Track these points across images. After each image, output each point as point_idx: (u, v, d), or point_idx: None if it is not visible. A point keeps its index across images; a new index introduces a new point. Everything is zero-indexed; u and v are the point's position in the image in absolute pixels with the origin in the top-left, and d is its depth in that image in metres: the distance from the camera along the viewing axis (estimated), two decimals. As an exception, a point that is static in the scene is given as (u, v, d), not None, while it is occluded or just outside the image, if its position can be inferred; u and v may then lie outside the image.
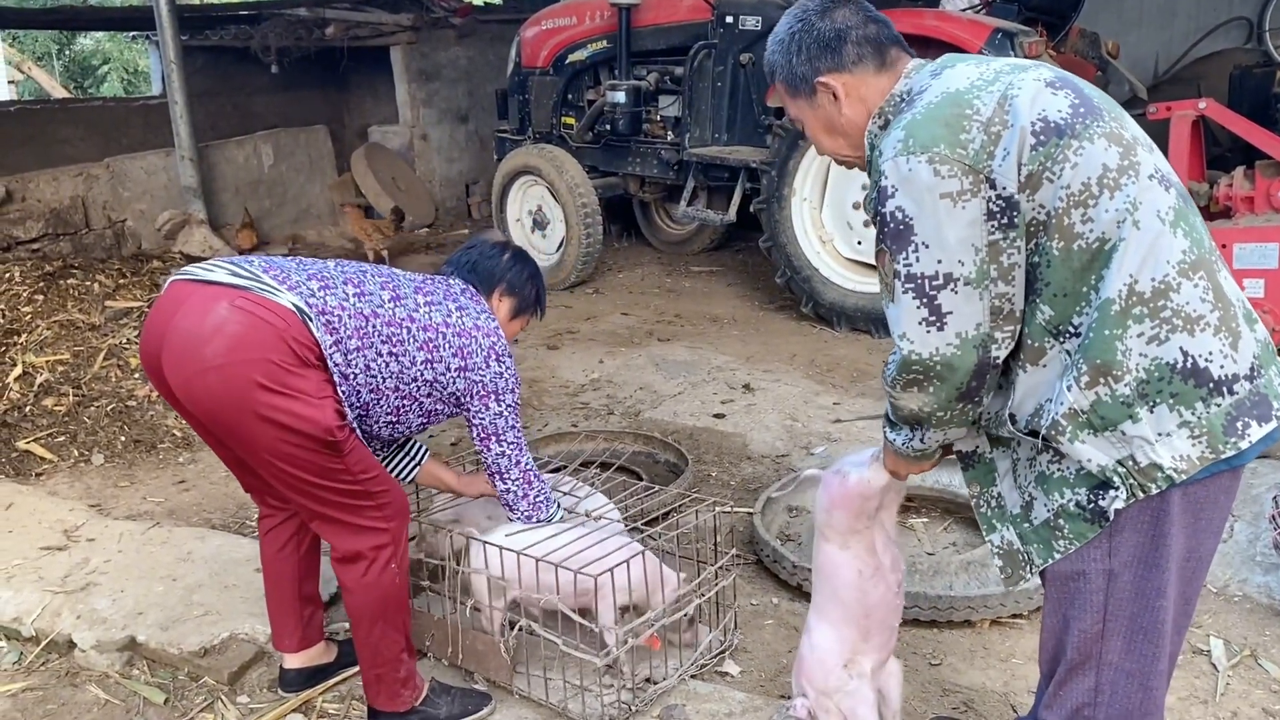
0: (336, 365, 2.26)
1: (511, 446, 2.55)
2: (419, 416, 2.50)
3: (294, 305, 2.21)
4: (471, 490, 2.84)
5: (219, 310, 2.16)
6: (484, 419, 2.52)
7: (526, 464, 2.59)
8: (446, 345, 2.44)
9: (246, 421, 2.19)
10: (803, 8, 1.94)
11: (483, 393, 2.49)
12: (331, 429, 2.20)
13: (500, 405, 2.51)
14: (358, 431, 2.31)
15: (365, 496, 2.32)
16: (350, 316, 2.29)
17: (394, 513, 2.37)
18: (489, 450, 2.55)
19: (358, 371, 2.31)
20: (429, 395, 2.46)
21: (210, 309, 2.17)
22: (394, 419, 2.45)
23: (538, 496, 2.63)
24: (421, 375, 2.42)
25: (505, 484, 2.59)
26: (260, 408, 2.16)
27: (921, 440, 1.92)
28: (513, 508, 2.63)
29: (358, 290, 2.36)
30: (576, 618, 2.48)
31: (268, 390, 2.15)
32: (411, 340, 2.39)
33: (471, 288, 2.62)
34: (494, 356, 2.50)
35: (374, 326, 2.33)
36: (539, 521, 2.63)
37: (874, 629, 2.26)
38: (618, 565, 2.48)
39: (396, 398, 2.41)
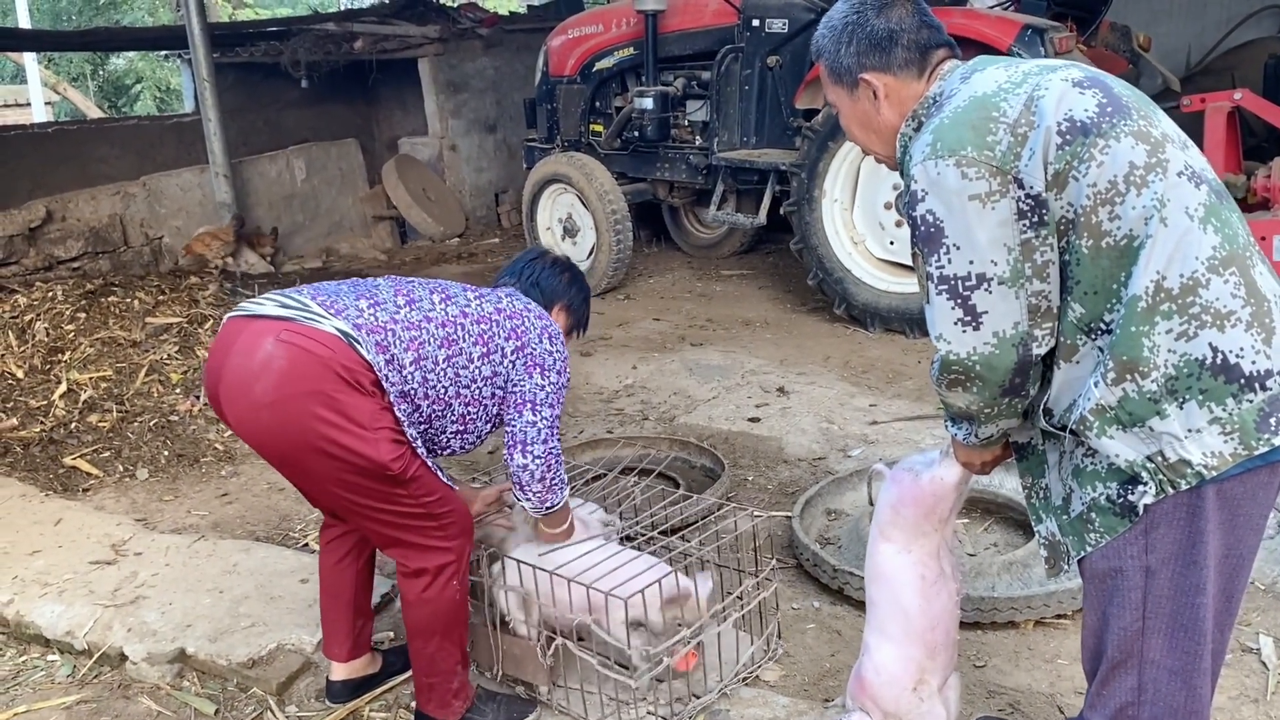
0: (393, 385, 2.24)
1: (545, 422, 2.43)
2: (486, 422, 2.48)
3: (338, 330, 2.21)
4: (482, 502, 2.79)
5: (265, 346, 2.18)
6: (524, 387, 2.44)
7: (554, 448, 2.44)
8: (500, 331, 2.42)
9: (304, 456, 2.22)
10: None
11: (530, 364, 2.44)
12: (386, 464, 2.20)
13: (544, 379, 2.44)
14: (422, 452, 2.30)
15: (428, 519, 2.33)
16: (403, 329, 2.29)
17: (457, 532, 2.39)
18: (520, 417, 2.42)
19: (415, 386, 2.29)
20: (493, 396, 2.43)
21: (258, 346, 2.19)
22: (461, 428, 2.43)
23: (554, 480, 2.47)
24: (480, 373, 2.39)
25: (526, 458, 2.41)
26: (316, 440, 2.17)
27: (977, 435, 1.95)
28: (525, 488, 2.46)
29: (408, 299, 2.36)
30: (607, 636, 2.48)
31: (323, 422, 2.16)
32: (466, 336, 2.37)
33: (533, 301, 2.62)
34: (547, 336, 2.48)
35: (428, 333, 2.32)
36: (549, 507, 2.52)
37: (939, 645, 2.21)
38: (623, 584, 2.45)
39: (461, 405, 2.39)
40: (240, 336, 2.24)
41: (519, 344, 2.44)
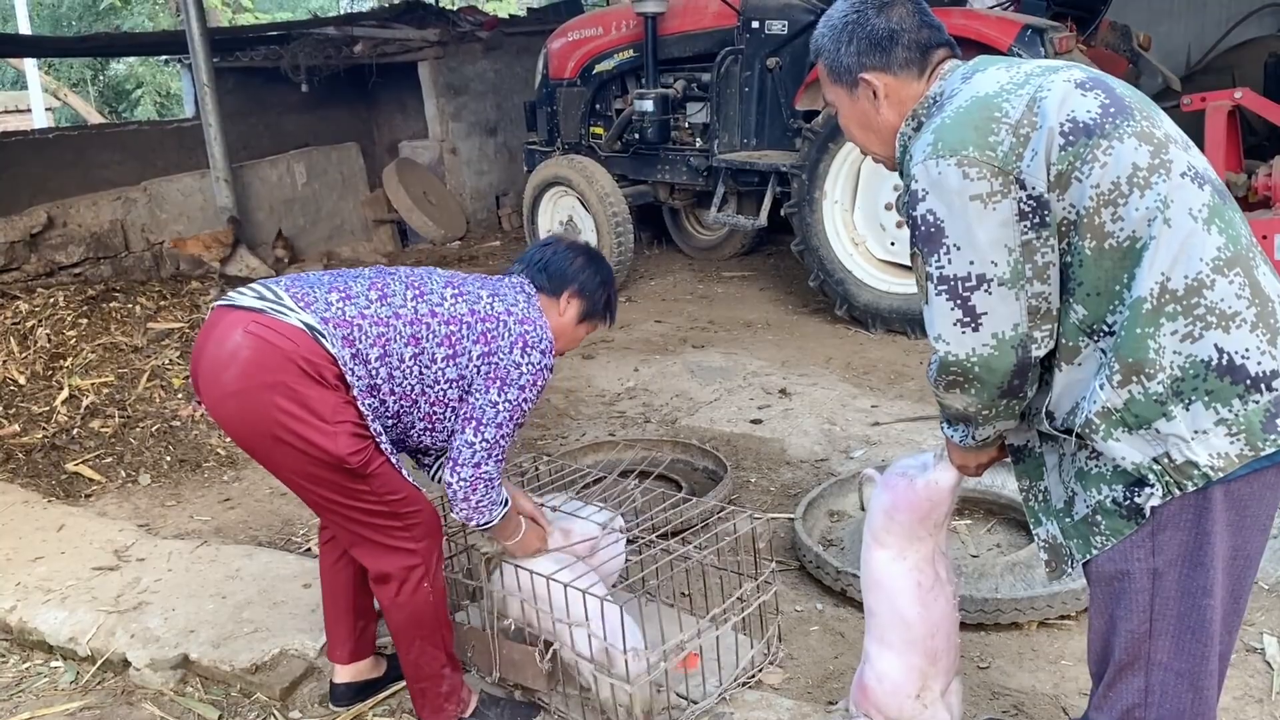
0: (359, 379, 2.25)
1: (484, 444, 2.35)
2: (457, 423, 2.45)
3: (304, 324, 2.22)
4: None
5: (235, 337, 2.22)
6: (477, 401, 2.36)
7: (486, 471, 2.37)
8: (469, 334, 2.35)
9: (267, 445, 2.25)
10: None
11: (491, 375, 2.36)
12: (344, 457, 2.21)
13: (499, 395, 2.35)
14: (386, 449, 2.30)
15: (393, 518, 2.33)
16: (371, 324, 2.28)
17: (423, 533, 2.39)
18: (460, 434, 2.36)
19: (381, 382, 2.29)
20: (460, 398, 2.39)
21: (229, 335, 2.22)
22: (429, 425, 2.42)
23: (480, 503, 2.40)
24: (444, 374, 2.35)
25: (452, 477, 2.37)
26: (277, 430, 2.20)
27: (974, 437, 1.94)
28: (453, 504, 2.44)
29: (381, 294, 2.34)
30: (601, 639, 2.47)
31: (283, 413, 2.18)
32: (432, 337, 2.33)
33: (531, 284, 2.53)
34: (521, 345, 2.37)
35: (395, 330, 2.30)
36: (479, 525, 2.46)
37: (940, 650, 2.20)
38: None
39: (427, 404, 2.38)
40: (218, 325, 2.27)
41: (486, 349, 2.37)
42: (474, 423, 2.36)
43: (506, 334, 2.38)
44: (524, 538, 2.59)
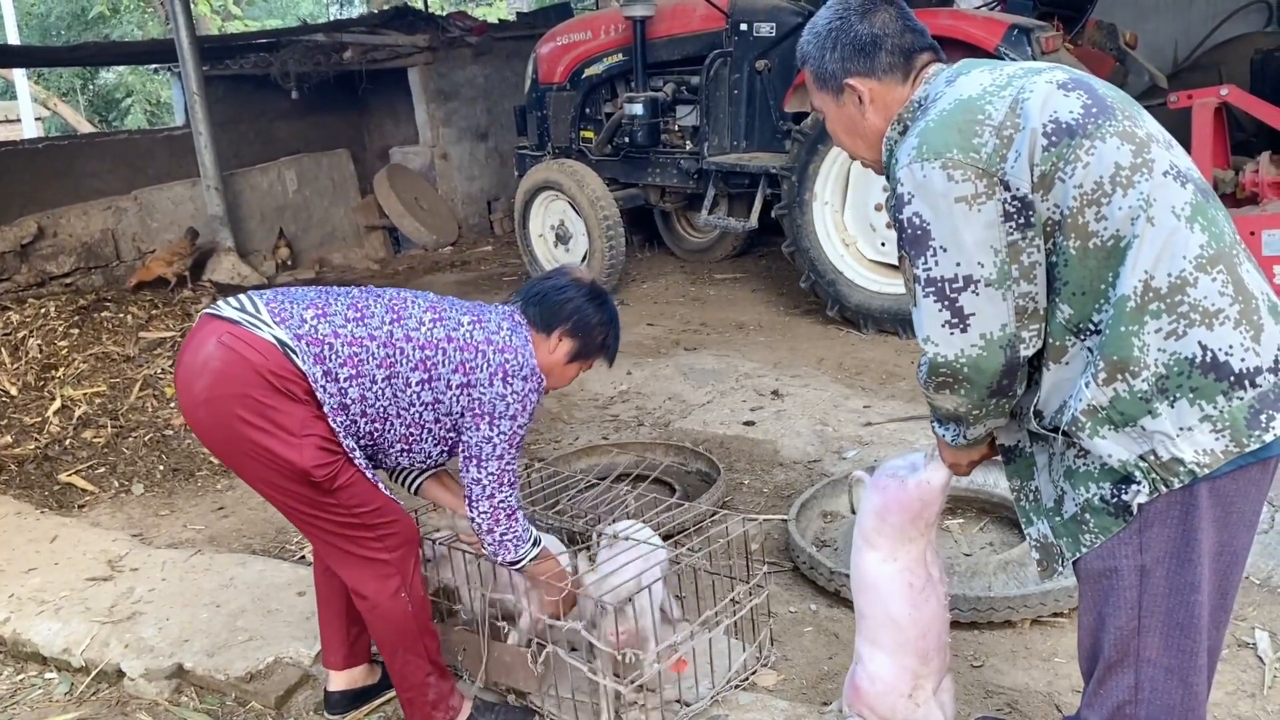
0: (330, 396, 2.26)
1: (490, 478, 2.37)
2: (435, 445, 2.43)
3: (275, 339, 2.23)
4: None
5: (208, 346, 2.24)
6: (471, 439, 2.37)
7: (502, 500, 2.39)
8: (446, 361, 2.33)
9: (234, 455, 2.28)
10: (845, 4, 1.94)
11: (478, 411, 2.35)
12: (309, 470, 2.22)
13: (491, 430, 2.35)
14: (360, 464, 2.31)
15: (363, 529, 2.34)
16: (344, 344, 2.28)
17: (397, 544, 2.39)
18: (466, 473, 2.39)
19: (353, 401, 2.29)
20: (436, 421, 2.39)
21: (204, 345, 2.25)
22: (405, 447, 2.42)
23: (505, 535, 2.43)
24: (419, 397, 2.34)
25: (473, 513, 2.41)
26: (241, 443, 2.23)
27: (965, 436, 1.97)
28: (481, 538, 2.47)
29: (357, 315, 2.33)
30: (600, 644, 2.48)
31: (248, 424, 2.21)
32: (405, 361, 2.31)
33: (519, 314, 2.48)
34: (502, 375, 2.34)
35: (369, 351, 2.29)
36: (506, 562, 2.48)
37: (932, 650, 2.21)
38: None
39: (403, 426, 2.37)
40: (198, 334, 2.30)
41: (465, 380, 2.34)
42: (475, 460, 2.38)
43: (486, 364, 2.35)
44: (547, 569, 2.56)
